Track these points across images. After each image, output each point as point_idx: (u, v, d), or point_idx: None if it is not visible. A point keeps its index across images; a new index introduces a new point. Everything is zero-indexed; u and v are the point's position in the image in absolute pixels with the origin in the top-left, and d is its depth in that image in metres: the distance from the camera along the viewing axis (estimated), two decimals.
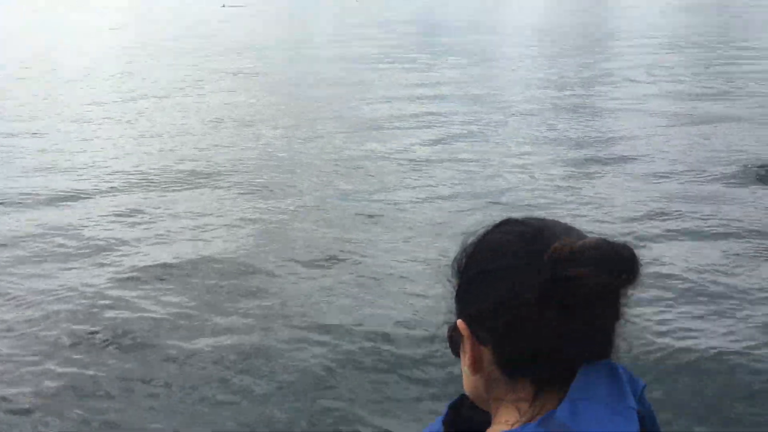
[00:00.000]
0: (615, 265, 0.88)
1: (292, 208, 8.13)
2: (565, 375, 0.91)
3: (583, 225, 6.62)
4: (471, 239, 1.03)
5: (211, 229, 7.50)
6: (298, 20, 41.40)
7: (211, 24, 37.21)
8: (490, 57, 22.20)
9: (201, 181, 9.37)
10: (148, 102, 15.69)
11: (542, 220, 1.01)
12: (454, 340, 1.03)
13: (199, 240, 7.22)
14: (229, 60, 22.31)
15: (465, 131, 11.91)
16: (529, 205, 7.86)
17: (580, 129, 11.85)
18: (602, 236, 0.93)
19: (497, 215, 1.09)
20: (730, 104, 13.41)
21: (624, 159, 9.89)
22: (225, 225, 7.61)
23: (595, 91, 15.77)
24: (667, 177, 8.91)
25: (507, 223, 1.02)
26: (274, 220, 7.77)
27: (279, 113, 14.00)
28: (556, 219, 1.02)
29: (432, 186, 8.87)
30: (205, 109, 14.65)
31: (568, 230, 0.98)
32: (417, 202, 8.25)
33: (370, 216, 7.74)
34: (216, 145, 11.40)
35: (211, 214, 8.00)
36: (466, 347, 0.98)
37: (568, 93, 15.46)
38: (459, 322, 0.98)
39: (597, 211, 7.73)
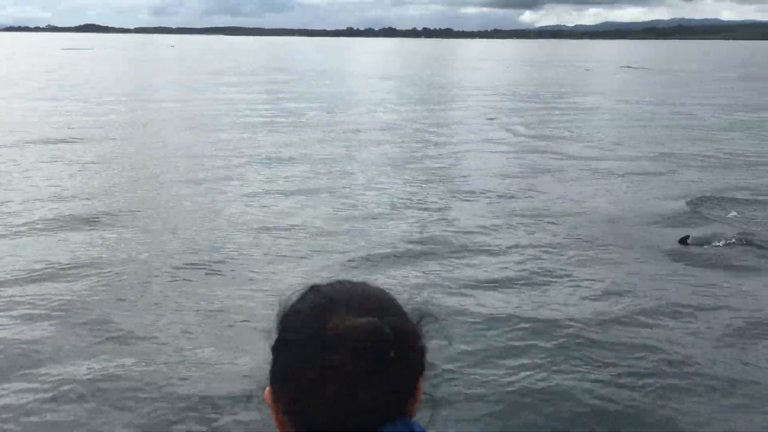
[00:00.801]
0: (371, 351, 0.87)
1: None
2: None
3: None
4: (284, 303, 1.00)
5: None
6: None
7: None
8: (343, 103, 23.04)
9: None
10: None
11: (341, 286, 0.98)
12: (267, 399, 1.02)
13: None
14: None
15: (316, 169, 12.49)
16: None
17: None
18: (370, 316, 0.91)
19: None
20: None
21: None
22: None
23: (440, 132, 16.94)
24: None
25: (314, 288, 0.99)
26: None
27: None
28: (364, 283, 1.00)
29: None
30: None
31: (354, 299, 0.95)
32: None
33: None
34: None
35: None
36: (272, 415, 0.97)
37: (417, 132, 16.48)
38: (267, 389, 0.97)
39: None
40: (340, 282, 0.99)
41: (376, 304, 0.95)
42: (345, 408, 0.89)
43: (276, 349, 0.96)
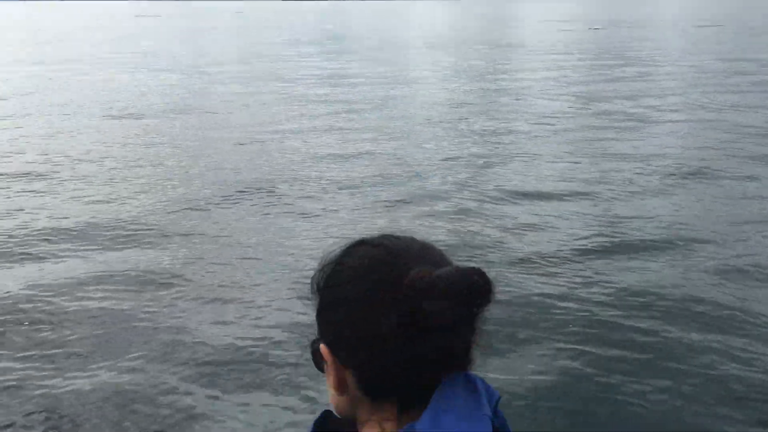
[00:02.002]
0: (469, 296, 0.89)
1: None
2: (426, 392, 0.92)
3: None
4: (329, 258, 1.02)
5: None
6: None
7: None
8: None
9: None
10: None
11: (398, 240, 1.00)
12: (315, 355, 1.04)
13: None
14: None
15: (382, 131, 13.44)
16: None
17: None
18: (456, 263, 0.94)
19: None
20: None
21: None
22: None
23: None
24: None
25: (363, 243, 1.01)
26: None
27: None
28: (412, 236, 1.02)
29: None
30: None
31: (424, 252, 0.98)
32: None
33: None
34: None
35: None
36: (330, 369, 0.99)
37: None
38: (322, 346, 0.99)
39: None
40: (388, 236, 1.02)
41: (440, 256, 0.99)
42: (423, 358, 0.92)
43: (335, 305, 0.98)
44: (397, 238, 1.01)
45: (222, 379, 4.88)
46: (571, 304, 5.86)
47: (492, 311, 0.93)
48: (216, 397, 4.66)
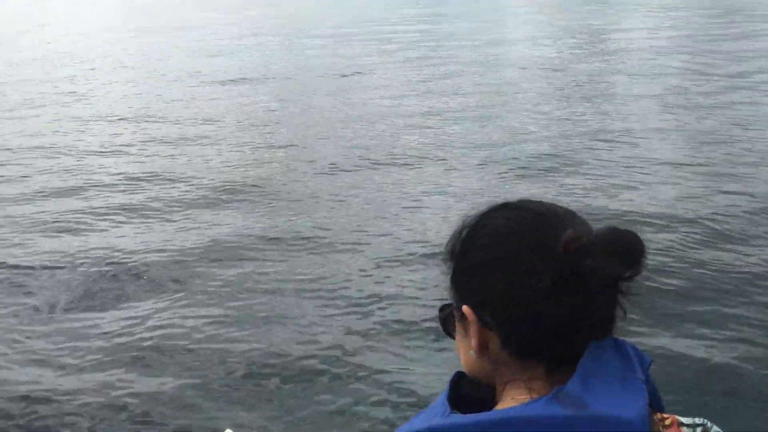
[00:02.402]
0: (626, 255, 0.90)
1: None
2: (573, 354, 0.93)
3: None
4: (466, 222, 1.03)
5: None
6: None
7: None
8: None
9: None
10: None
11: (541, 204, 1.01)
12: (447, 321, 1.06)
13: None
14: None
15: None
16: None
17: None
18: (609, 224, 0.94)
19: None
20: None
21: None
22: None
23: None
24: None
25: (506, 206, 1.01)
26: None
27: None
28: (552, 202, 1.02)
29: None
30: None
31: (571, 215, 0.99)
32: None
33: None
34: None
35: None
36: (472, 332, 0.99)
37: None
38: (465, 308, 0.98)
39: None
40: (528, 200, 1.02)
41: (584, 220, 0.99)
42: (575, 319, 0.93)
43: (481, 267, 0.97)
44: (539, 201, 1.01)
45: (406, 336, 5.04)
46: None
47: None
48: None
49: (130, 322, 5.41)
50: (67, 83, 16.58)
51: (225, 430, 2.35)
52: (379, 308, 5.47)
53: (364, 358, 4.80)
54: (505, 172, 8.71)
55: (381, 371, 4.62)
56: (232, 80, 16.28)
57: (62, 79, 17.12)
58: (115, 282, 6.12)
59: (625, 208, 7.25)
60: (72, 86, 16.17)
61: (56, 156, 10.28)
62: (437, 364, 4.62)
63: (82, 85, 16.36)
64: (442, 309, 1.08)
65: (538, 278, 0.93)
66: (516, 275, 0.94)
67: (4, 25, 28.67)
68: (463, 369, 1.04)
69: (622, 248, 0.91)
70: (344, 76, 16.42)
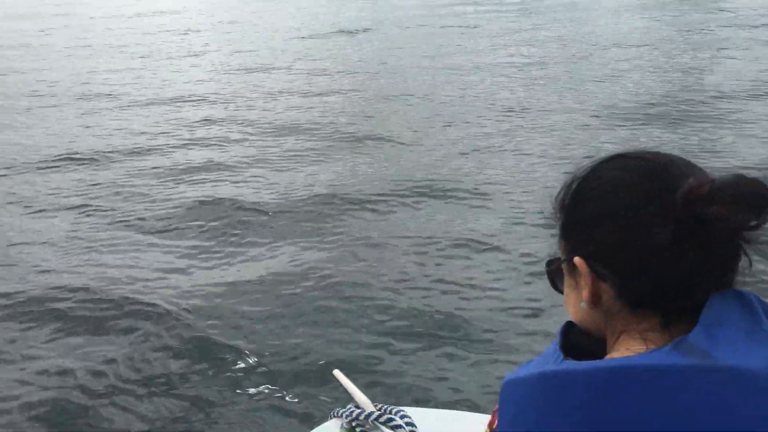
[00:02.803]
0: (755, 202, 0.85)
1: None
2: (692, 306, 0.89)
3: None
4: (578, 173, 0.99)
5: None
6: None
7: None
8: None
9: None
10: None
11: (658, 154, 0.96)
12: (555, 274, 1.04)
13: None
14: None
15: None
16: None
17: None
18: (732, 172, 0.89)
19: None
20: None
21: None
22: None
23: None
24: None
25: (622, 157, 0.97)
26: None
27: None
28: (670, 153, 0.97)
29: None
30: None
31: (691, 166, 0.94)
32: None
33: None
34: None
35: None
36: (585, 283, 0.95)
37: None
38: (577, 259, 0.95)
39: None
40: (645, 150, 0.98)
41: (703, 170, 0.94)
42: (696, 270, 0.89)
43: (596, 218, 0.94)
44: (656, 152, 0.97)
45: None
46: None
47: None
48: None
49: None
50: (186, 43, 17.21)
51: (333, 370, 2.26)
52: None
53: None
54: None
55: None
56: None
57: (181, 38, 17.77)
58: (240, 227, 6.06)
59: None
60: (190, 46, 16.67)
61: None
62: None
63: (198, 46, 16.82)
64: (549, 263, 1.05)
65: (657, 231, 0.89)
66: (632, 227, 0.90)
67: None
68: (576, 321, 1.01)
69: (748, 196, 0.85)
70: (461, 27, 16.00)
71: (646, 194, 0.91)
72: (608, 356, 0.93)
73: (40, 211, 6.70)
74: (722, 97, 9.36)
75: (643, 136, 8.00)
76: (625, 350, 0.92)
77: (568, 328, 1.02)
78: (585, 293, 0.95)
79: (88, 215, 6.51)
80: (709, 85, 10.09)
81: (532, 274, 4.87)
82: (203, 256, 5.54)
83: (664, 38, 14.37)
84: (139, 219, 6.34)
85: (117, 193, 7.01)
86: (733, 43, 13.39)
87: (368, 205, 6.35)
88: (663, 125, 8.35)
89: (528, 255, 5.16)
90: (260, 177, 7.30)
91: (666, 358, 0.83)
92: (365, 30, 16.82)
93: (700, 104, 9.16)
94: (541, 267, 1.22)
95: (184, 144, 8.68)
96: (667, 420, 0.81)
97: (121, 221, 6.30)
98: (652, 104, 9.23)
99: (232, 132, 9.08)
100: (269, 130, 9.02)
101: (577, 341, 1.00)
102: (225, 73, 12.99)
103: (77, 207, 6.71)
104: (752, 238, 0.90)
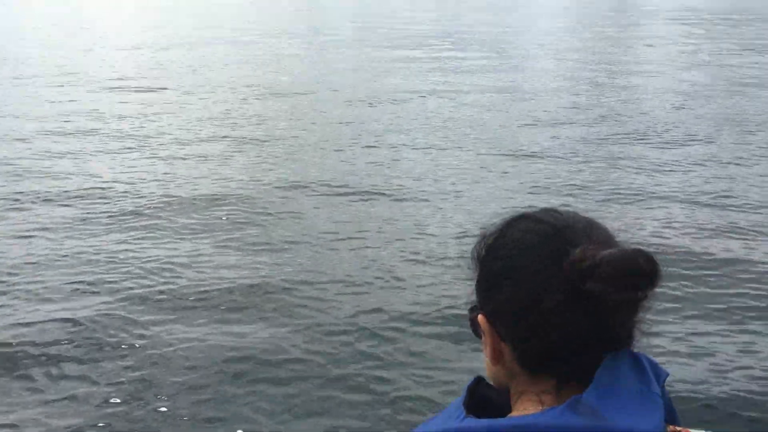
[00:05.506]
0: (636, 280, 0.86)
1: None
2: (587, 368, 0.90)
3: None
4: (490, 229, 1.01)
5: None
6: None
7: None
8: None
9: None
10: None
11: (561, 216, 0.97)
12: (474, 324, 1.02)
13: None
14: None
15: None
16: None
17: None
18: (622, 245, 0.92)
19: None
20: None
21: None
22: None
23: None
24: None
25: (525, 218, 0.99)
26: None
27: None
28: (576, 212, 0.99)
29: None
30: None
31: (589, 229, 0.95)
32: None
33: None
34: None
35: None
36: (487, 340, 0.98)
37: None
38: (480, 317, 0.98)
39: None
40: (551, 210, 0.99)
41: (606, 234, 0.96)
42: (586, 335, 0.90)
43: (496, 278, 0.96)
44: (561, 213, 0.99)
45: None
46: None
47: None
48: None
49: None
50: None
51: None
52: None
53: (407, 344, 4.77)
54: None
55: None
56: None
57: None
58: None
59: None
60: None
61: None
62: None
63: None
64: (472, 309, 1.04)
65: (550, 294, 0.91)
66: (526, 291, 0.93)
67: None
68: (487, 375, 1.03)
69: (627, 273, 0.86)
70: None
71: (540, 258, 0.93)
72: (509, 415, 0.95)
73: None
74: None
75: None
76: (523, 410, 0.94)
77: (478, 382, 1.04)
78: (487, 350, 0.99)
79: None
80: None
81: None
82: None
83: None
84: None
85: None
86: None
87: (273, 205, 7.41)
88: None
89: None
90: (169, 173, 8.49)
91: (559, 417, 0.86)
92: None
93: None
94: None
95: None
96: None
97: None
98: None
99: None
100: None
101: (487, 395, 1.02)
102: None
103: None
104: (646, 306, 0.93)
